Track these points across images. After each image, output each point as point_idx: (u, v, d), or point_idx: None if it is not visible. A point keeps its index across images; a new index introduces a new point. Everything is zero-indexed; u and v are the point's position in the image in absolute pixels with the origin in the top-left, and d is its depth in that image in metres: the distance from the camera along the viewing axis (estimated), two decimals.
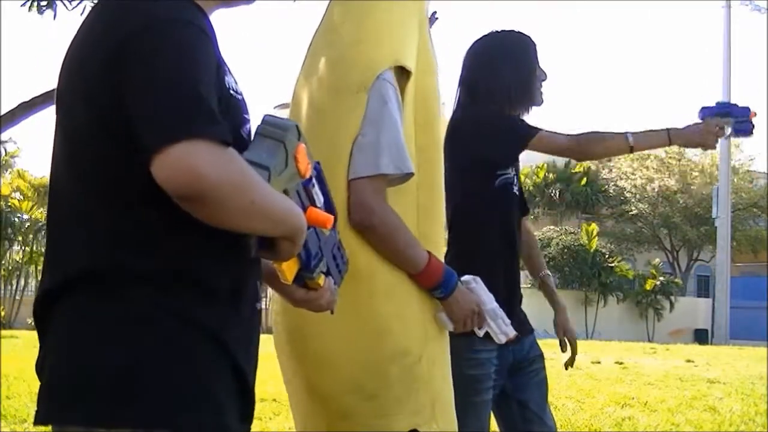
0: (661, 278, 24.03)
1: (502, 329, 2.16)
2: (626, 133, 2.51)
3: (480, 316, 2.07)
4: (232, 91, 1.33)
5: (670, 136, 2.53)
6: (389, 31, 1.95)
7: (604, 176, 27.96)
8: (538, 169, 25.50)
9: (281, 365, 2.04)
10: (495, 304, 2.12)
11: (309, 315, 1.54)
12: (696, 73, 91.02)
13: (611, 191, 27.84)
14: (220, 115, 1.22)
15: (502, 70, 2.59)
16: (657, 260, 25.21)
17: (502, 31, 2.70)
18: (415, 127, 1.97)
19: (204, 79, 1.22)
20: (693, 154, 28.56)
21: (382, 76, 1.87)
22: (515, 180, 2.61)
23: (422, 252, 1.92)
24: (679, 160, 28.03)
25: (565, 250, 22.69)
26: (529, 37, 2.69)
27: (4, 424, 5.18)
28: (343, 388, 1.89)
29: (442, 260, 2.07)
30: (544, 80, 2.67)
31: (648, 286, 23.74)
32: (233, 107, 1.33)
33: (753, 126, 2.59)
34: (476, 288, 2.08)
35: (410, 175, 1.87)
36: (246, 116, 1.38)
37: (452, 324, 2.01)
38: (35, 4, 5.81)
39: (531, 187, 25.71)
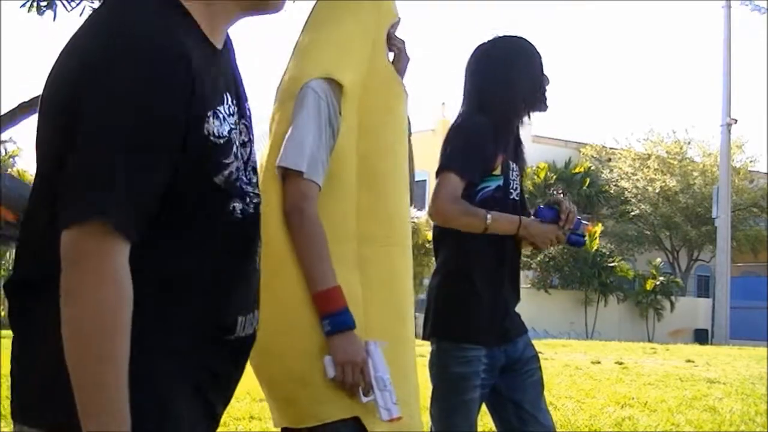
0: (662, 278, 24.01)
1: (387, 404, 2.00)
2: (486, 213, 2.49)
3: (364, 373, 1.98)
4: (211, 138, 1.27)
5: (520, 225, 2.54)
6: (330, 46, 2.14)
7: (605, 176, 27.92)
8: (539, 170, 25.47)
9: None
10: (387, 376, 2.01)
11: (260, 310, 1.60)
12: (696, 73, 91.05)
13: (612, 191, 27.80)
14: (155, 196, 1.20)
15: (516, 76, 2.61)
16: (657, 260, 25.19)
17: (509, 36, 2.72)
18: (359, 134, 2.11)
19: (137, 135, 1.18)
20: (695, 154, 28.56)
21: (308, 85, 2.07)
22: (510, 186, 2.61)
23: (331, 277, 2.00)
24: (681, 161, 28.00)
25: (566, 250, 22.63)
26: (532, 44, 2.70)
27: (3, 424, 5.17)
28: (284, 377, 2.04)
29: (393, 257, 2.13)
30: (547, 86, 2.68)
31: (648, 286, 23.71)
32: (207, 158, 1.28)
33: (585, 240, 2.70)
34: (372, 351, 2.01)
35: (299, 173, 2.01)
36: (225, 161, 1.30)
37: (333, 369, 1.97)
38: (35, 4, 5.80)
39: (531, 188, 25.71)
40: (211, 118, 1.27)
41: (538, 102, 2.66)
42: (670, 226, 27.66)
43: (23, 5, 5.80)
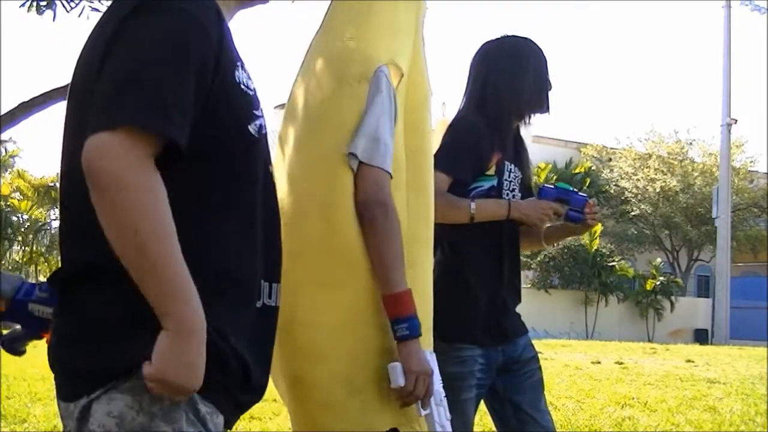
0: (662, 278, 24.01)
1: (442, 420, 1.91)
2: (470, 202, 2.47)
3: (430, 387, 1.87)
4: (242, 86, 1.36)
5: (510, 207, 2.53)
6: (388, 30, 2.02)
7: (606, 176, 27.91)
8: (540, 170, 25.47)
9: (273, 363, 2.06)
10: (441, 388, 1.93)
11: (301, 307, 1.62)
12: (696, 73, 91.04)
13: (612, 191, 27.81)
14: (191, 109, 1.24)
15: (524, 73, 2.59)
16: (657, 260, 25.19)
17: (516, 36, 2.69)
18: (405, 128, 2.01)
19: (174, 73, 1.23)
20: (695, 154, 28.56)
21: (380, 69, 1.94)
22: (504, 187, 2.59)
23: (404, 278, 1.87)
24: (682, 161, 28.00)
25: (566, 250, 22.65)
26: (539, 46, 2.69)
27: (4, 424, 5.18)
28: (331, 381, 1.89)
29: (432, 262, 2.09)
30: (550, 89, 2.67)
31: (648, 286, 23.71)
32: (240, 101, 1.36)
33: (584, 217, 2.64)
34: (431, 362, 1.90)
35: (377, 167, 1.88)
36: (255, 112, 1.39)
37: (404, 377, 1.83)
38: (35, 4, 5.81)
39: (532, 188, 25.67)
40: (240, 68, 1.37)
41: (541, 104, 2.65)
42: (670, 226, 27.66)
43: (23, 5, 5.80)
